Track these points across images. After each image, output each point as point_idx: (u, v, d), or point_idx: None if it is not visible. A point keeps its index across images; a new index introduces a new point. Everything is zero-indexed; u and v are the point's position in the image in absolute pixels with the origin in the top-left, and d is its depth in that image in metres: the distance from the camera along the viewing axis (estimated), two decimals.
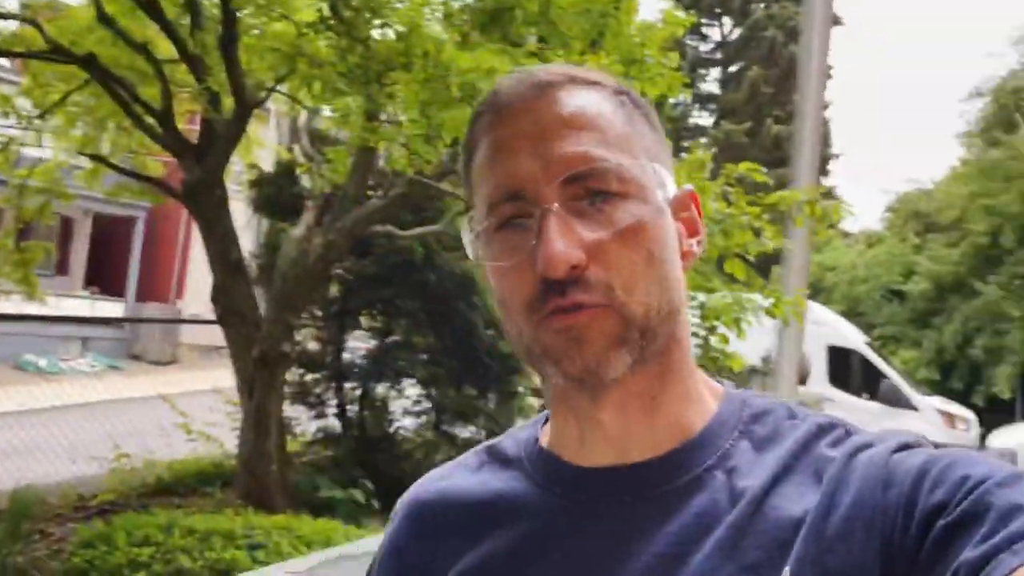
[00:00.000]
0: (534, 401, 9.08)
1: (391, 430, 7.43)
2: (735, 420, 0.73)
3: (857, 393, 11.56)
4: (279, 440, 6.18)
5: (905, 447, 0.67)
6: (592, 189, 0.68)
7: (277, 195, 7.51)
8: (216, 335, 10.67)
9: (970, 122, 20.11)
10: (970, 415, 12.61)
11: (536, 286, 0.67)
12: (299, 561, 2.37)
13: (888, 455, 0.66)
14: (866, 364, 11.80)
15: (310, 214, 6.40)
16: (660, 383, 0.71)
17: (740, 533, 0.65)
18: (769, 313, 4.00)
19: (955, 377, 16.98)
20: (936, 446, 0.68)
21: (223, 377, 9.55)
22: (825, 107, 20.04)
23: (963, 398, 15.57)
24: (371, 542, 2.59)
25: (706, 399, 0.74)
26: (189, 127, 7.32)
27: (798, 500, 0.66)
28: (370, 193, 6.22)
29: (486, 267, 0.73)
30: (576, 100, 0.70)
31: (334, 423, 7.60)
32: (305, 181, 7.64)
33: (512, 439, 0.81)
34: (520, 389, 8.12)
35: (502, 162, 0.70)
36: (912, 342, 17.48)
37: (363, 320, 7.76)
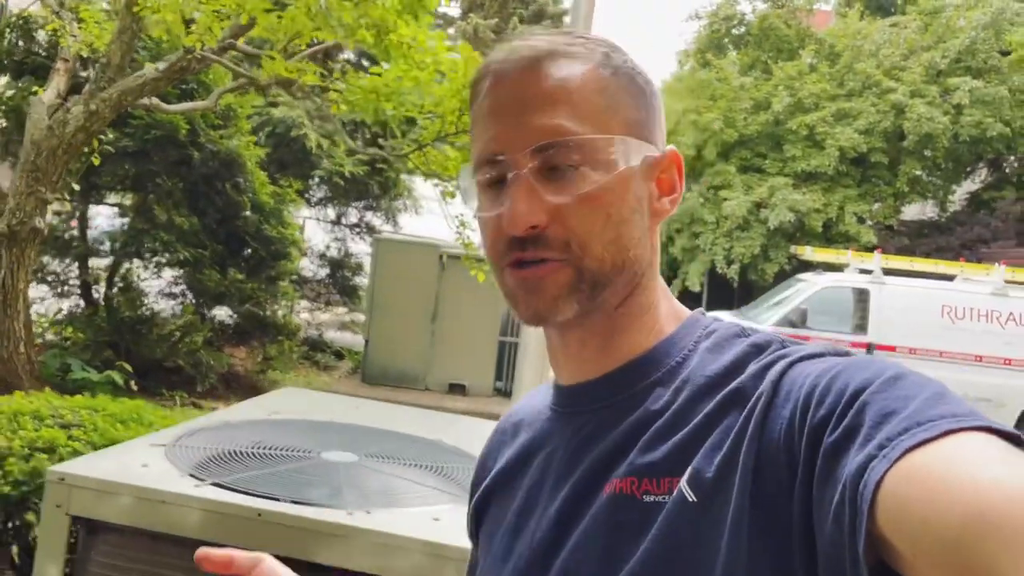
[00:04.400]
0: (292, 288, 9.06)
1: (147, 312, 7.14)
2: (686, 341, 0.81)
3: None
4: (25, 320, 5.79)
5: (811, 357, 0.72)
6: (559, 157, 0.75)
7: (8, 51, 6.68)
8: None
9: (688, 42, 22.15)
10: None
11: (505, 239, 0.77)
12: (162, 433, 2.48)
13: (785, 368, 0.71)
14: None
15: (61, 78, 5.84)
16: (619, 322, 0.81)
17: (656, 440, 0.74)
18: None
19: None
20: (842, 353, 0.72)
21: None
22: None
23: None
24: (224, 414, 2.74)
25: (664, 327, 0.83)
26: None
27: (711, 416, 0.72)
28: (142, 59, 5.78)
29: (475, 215, 0.83)
30: (558, 73, 0.77)
31: (79, 303, 7.15)
32: (42, 36, 6.86)
33: None
34: (279, 274, 8.11)
35: (489, 128, 0.79)
36: None
37: (114, 196, 7.25)
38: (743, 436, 0.68)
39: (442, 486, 2.29)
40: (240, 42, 5.61)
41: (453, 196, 3.87)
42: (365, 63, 8.54)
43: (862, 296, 11.73)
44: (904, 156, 18.06)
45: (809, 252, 14.43)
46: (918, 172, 18.57)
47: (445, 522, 1.97)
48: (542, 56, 0.78)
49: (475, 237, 4.09)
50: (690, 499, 0.69)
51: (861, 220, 18.21)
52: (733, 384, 0.73)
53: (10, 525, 3.02)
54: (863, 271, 12.25)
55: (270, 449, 2.37)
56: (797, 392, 0.67)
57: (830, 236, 17.82)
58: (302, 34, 4.44)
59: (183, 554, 1.96)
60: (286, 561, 1.86)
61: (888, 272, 11.95)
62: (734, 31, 21.53)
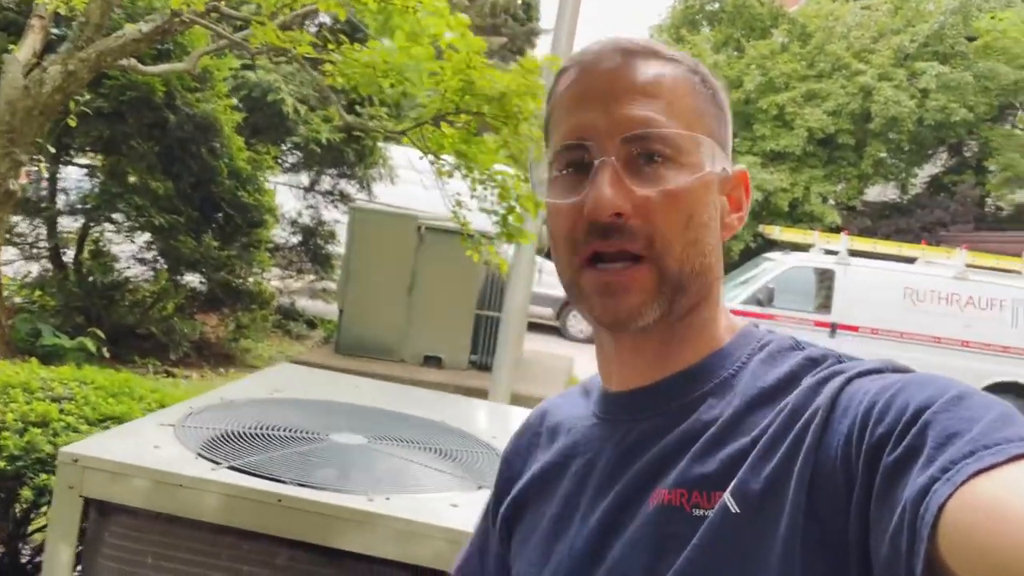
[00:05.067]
0: (267, 256, 8.96)
1: (119, 277, 7.00)
2: (740, 352, 0.80)
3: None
4: None
5: (870, 372, 0.70)
6: (649, 150, 0.75)
7: None
8: None
9: (662, 17, 22.15)
10: None
11: (583, 227, 0.75)
12: (167, 411, 2.45)
13: (844, 383, 0.69)
14: None
15: (36, 36, 5.64)
16: (681, 332, 0.80)
17: (705, 451, 0.72)
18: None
19: None
20: (902, 369, 0.70)
21: None
22: None
23: None
24: (225, 391, 2.72)
25: (719, 337, 0.82)
26: None
27: (763, 428, 0.71)
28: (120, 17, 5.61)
29: (546, 204, 0.81)
30: (653, 70, 0.77)
31: (48, 267, 6.99)
32: None
33: (598, 375, 0.93)
34: (253, 241, 8.00)
35: (577, 113, 0.77)
36: None
37: (85, 157, 7.07)
38: (798, 450, 0.66)
39: (452, 470, 2.31)
40: (222, 4, 5.48)
41: (450, 175, 3.85)
42: (342, 28, 8.39)
43: (827, 276, 11.95)
44: (870, 138, 18.34)
45: (777, 232, 14.63)
46: (883, 154, 18.89)
47: (463, 508, 1.98)
48: (636, 51, 0.78)
49: (472, 217, 4.07)
50: (733, 510, 0.67)
51: (825, 200, 18.49)
52: (787, 397, 0.71)
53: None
54: (828, 251, 12.46)
55: (278, 430, 2.36)
56: (856, 408, 0.65)
57: (795, 215, 18.08)
58: None
59: (199, 537, 1.96)
60: (306, 547, 1.87)
61: (853, 253, 12.17)
62: (708, 8, 21.57)
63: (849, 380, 0.69)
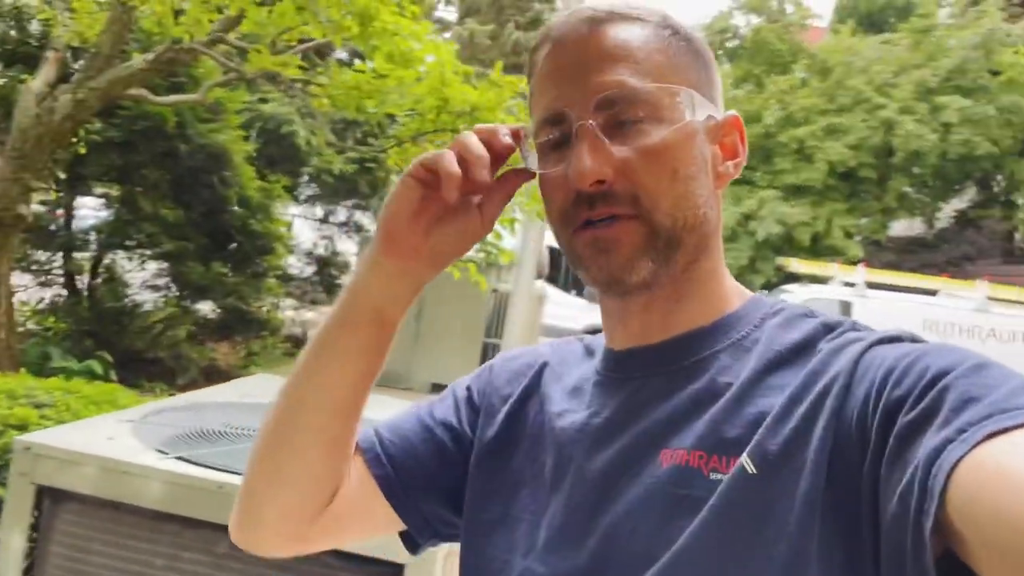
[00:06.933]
0: (278, 284, 9.10)
1: (129, 303, 7.15)
2: (752, 316, 0.80)
3: (566, 289, 12.94)
4: (7, 307, 5.80)
5: (889, 340, 0.70)
6: (624, 112, 0.75)
7: (0, 40, 6.71)
8: None
9: None
10: None
11: (571, 197, 0.76)
12: (131, 410, 2.51)
13: (864, 349, 0.69)
14: None
15: (51, 67, 5.86)
16: (686, 287, 0.79)
17: (725, 414, 0.72)
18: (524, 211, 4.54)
19: None
20: (919, 340, 0.71)
21: None
22: None
23: None
24: (196, 395, 2.78)
25: (731, 300, 0.82)
26: None
27: (781, 391, 0.70)
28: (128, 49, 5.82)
29: (538, 176, 0.81)
30: (619, 34, 0.77)
31: (62, 293, 7.16)
32: (35, 27, 6.90)
33: (600, 336, 0.92)
34: (264, 269, 8.14)
35: (551, 89, 0.79)
36: None
37: (100, 187, 7.28)
38: (818, 413, 0.66)
39: None
40: (232, 37, 5.65)
41: None
42: (358, 62, 8.59)
43: (845, 309, 11.81)
44: (893, 172, 18.22)
45: (795, 264, 14.52)
46: (906, 188, 18.73)
47: None
48: (602, 18, 0.78)
49: None
50: (750, 471, 0.67)
51: (849, 235, 18.34)
52: (804, 360, 0.72)
53: None
54: (847, 284, 12.34)
55: (238, 429, 2.40)
56: (874, 373, 0.65)
57: (818, 249, 17.93)
58: (291, 29, 4.49)
59: (142, 524, 2.00)
60: None
61: (872, 286, 12.04)
62: (728, 44, 21.70)
63: (869, 347, 0.69)
